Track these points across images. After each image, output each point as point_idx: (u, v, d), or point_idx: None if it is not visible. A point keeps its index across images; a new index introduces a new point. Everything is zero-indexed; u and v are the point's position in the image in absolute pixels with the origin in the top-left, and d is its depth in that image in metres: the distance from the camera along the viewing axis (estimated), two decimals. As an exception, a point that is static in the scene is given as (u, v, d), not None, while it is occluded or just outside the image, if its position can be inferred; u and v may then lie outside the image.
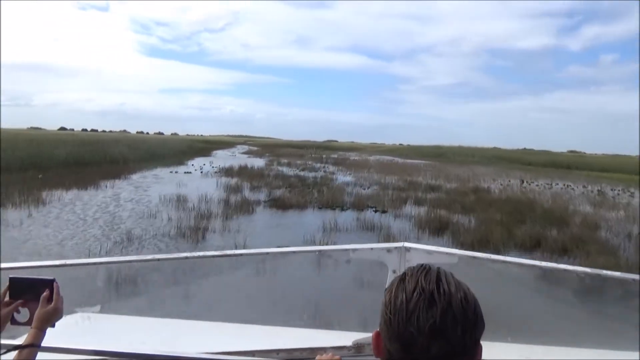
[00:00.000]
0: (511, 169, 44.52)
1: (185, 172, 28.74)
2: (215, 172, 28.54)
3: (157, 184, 21.68)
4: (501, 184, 27.37)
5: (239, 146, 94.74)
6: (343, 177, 28.79)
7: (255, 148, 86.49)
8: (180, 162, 37.29)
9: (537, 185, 28.44)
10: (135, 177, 25.15)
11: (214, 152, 62.65)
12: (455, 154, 71.31)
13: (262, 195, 18.39)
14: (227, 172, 28.19)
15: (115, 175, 23.79)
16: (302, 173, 30.65)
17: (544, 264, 2.23)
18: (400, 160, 56.15)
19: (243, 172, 28.33)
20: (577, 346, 2.37)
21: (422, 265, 0.98)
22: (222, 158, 46.72)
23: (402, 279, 0.96)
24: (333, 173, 32.04)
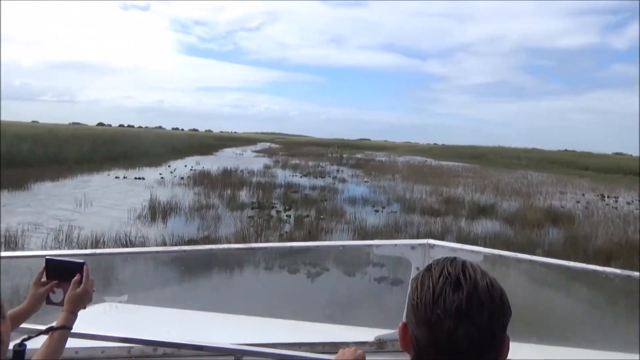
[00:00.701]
0: (569, 174, 34.80)
1: (137, 178, 20.95)
2: (182, 179, 20.71)
3: (58, 199, 14.73)
4: (577, 201, 19.12)
5: (259, 144, 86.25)
6: (355, 188, 20.68)
7: (276, 146, 78.90)
8: (161, 162, 29.80)
9: (629, 204, 19.26)
10: (64, 182, 19.08)
11: (222, 150, 54.45)
12: (496, 155, 61.35)
13: (192, 229, 10.95)
14: (199, 178, 20.65)
15: (38, 178, 18.34)
16: (303, 180, 23.16)
17: (572, 264, 2.17)
18: (433, 162, 46.75)
19: (218, 179, 20.26)
20: (604, 349, 2.31)
21: (447, 257, 1.01)
22: (222, 158, 38.72)
23: (428, 268, 0.99)
24: (345, 181, 24.05)
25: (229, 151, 53.53)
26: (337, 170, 30.14)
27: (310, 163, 35.04)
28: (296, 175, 25.49)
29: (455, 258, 0.99)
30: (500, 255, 2.20)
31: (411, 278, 2.11)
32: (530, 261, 2.19)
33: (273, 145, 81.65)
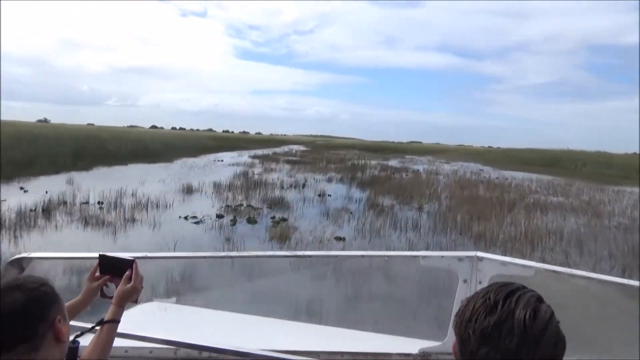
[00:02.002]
0: None
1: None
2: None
3: None
4: None
5: (286, 146, 75.22)
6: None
7: (302, 148, 69.52)
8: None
9: None
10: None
11: (218, 154, 42.97)
12: (573, 160, 44.24)
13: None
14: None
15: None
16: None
17: (632, 282, 2.06)
18: (492, 171, 35.31)
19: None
20: None
21: (507, 282, 1.01)
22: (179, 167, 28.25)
23: (481, 290, 1.02)
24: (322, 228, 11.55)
25: (224, 155, 41.08)
26: (319, 197, 16.62)
27: (319, 176, 24.05)
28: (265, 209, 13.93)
29: (512, 285, 0.99)
30: (554, 271, 2.12)
31: (456, 293, 2.08)
32: (587, 277, 2.10)
33: (297, 148, 69.97)
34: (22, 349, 1.12)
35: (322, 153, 53.75)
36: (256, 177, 22.26)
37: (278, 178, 22.04)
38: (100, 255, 1.61)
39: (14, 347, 1.11)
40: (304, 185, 19.74)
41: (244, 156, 42.06)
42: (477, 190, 20.30)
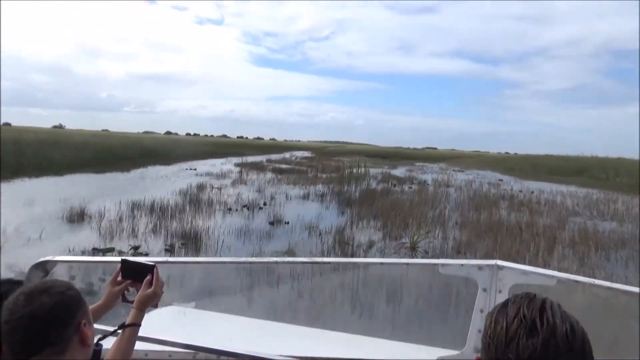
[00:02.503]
0: None
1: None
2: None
3: None
4: None
5: (289, 152, 69.53)
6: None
7: (306, 155, 65.90)
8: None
9: None
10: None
11: (202, 161, 38.93)
12: (606, 169, 38.60)
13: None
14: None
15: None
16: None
17: None
18: (514, 182, 30.86)
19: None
20: None
21: (527, 293, 0.97)
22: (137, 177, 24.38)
23: (505, 304, 0.96)
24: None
25: (186, 165, 33.19)
26: (270, 225, 12.18)
27: (269, 191, 18.93)
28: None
29: (535, 296, 0.95)
30: (576, 281, 2.11)
31: (476, 302, 2.08)
32: (610, 288, 2.08)
33: (301, 154, 65.68)
34: (48, 352, 1.15)
35: (322, 160, 48.11)
36: (211, 192, 17.55)
37: (239, 194, 17.33)
38: (122, 260, 1.65)
39: (41, 350, 1.14)
40: (263, 205, 14.98)
41: (229, 164, 35.77)
42: (498, 211, 15.70)
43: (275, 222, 12.49)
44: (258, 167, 33.01)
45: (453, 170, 44.47)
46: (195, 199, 15.47)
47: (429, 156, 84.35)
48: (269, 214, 13.52)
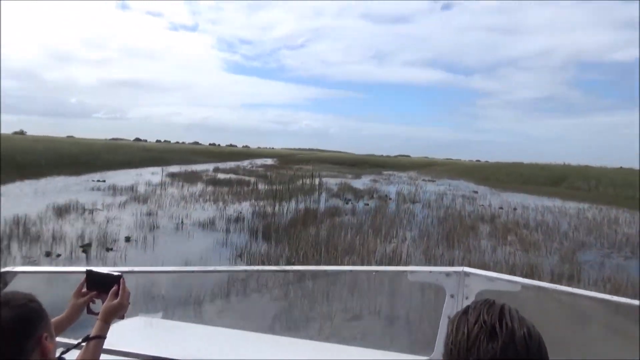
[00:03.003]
0: None
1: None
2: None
3: None
4: None
5: (249, 160, 65.26)
6: None
7: (266, 162, 61.99)
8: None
9: None
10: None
11: (132, 170, 34.42)
12: (586, 178, 36.68)
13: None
14: None
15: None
16: None
17: (616, 298, 2.11)
18: (489, 192, 29.61)
19: None
20: None
21: (486, 299, 1.00)
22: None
23: (465, 311, 0.98)
24: None
25: (99, 176, 28.10)
26: None
27: (160, 220, 13.80)
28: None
29: (494, 302, 0.98)
30: (539, 287, 2.17)
31: (444, 308, 2.11)
32: (572, 294, 2.15)
33: (260, 162, 61.18)
34: None
35: (280, 169, 43.74)
36: (61, 221, 12.95)
37: (110, 220, 13.24)
38: (87, 270, 1.60)
39: None
40: (126, 241, 10.92)
41: (158, 175, 29.32)
42: (478, 243, 12.16)
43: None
44: (192, 178, 28.96)
45: (423, 180, 41.19)
46: (18, 232, 10.88)
47: (400, 164, 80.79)
48: (116, 259, 9.44)
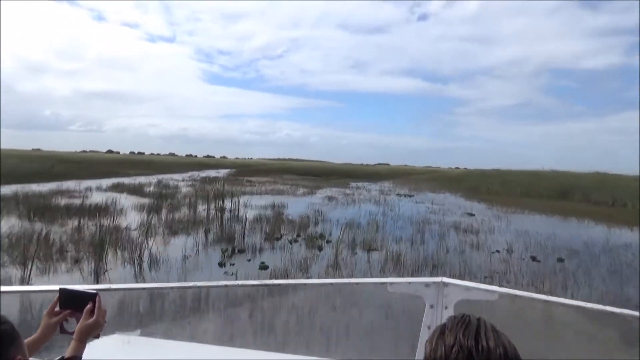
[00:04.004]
0: None
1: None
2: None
3: None
4: None
5: (207, 171, 62.67)
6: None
7: (221, 173, 57.40)
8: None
9: None
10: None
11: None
12: (601, 189, 30.91)
13: None
14: None
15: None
16: None
17: (590, 305, 2.19)
18: (490, 214, 22.42)
19: None
20: None
21: (462, 316, 1.02)
22: None
23: (442, 331, 1.00)
24: None
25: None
26: None
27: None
28: None
29: (470, 320, 1.00)
30: (515, 295, 2.23)
31: (423, 318, 2.15)
32: (547, 301, 2.22)
33: (214, 173, 56.51)
34: None
35: (214, 183, 36.39)
36: None
37: None
38: (60, 289, 1.56)
39: None
40: None
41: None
42: None
43: None
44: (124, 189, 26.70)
45: (398, 194, 33.23)
46: None
47: (376, 173, 72.51)
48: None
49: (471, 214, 21.86)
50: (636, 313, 2.09)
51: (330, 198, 28.25)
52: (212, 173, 56.67)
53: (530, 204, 27.34)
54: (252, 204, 21.14)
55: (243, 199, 21.55)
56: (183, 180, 40.35)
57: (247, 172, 62.05)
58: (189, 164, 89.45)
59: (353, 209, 22.91)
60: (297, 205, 22.71)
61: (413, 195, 33.36)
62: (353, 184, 44.92)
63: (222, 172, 60.14)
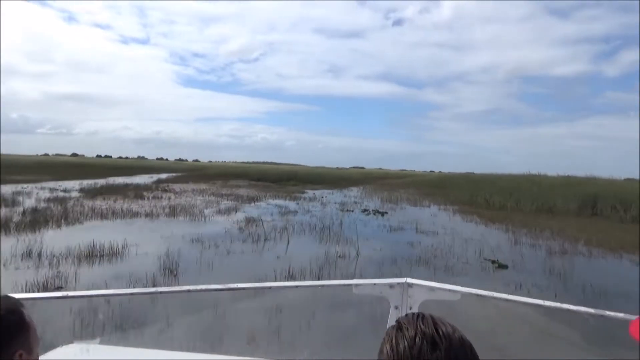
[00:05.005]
0: None
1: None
2: None
3: None
4: None
5: (142, 176, 52.81)
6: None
7: (163, 177, 51.20)
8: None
9: None
10: None
11: None
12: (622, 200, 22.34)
13: None
14: None
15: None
16: None
17: (547, 303, 2.24)
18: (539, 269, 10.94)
19: None
20: None
21: (413, 313, 1.04)
22: None
23: (399, 328, 1.01)
24: None
25: None
26: None
27: None
28: None
29: (423, 315, 1.02)
30: (478, 295, 2.26)
31: (388, 319, 2.16)
32: (507, 300, 2.26)
33: (157, 177, 49.99)
34: None
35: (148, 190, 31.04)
36: None
37: None
38: None
39: None
40: None
41: None
42: None
43: None
44: None
45: (365, 210, 23.12)
46: None
47: (346, 178, 62.84)
48: None
49: (504, 266, 11.25)
50: (592, 310, 2.15)
51: (251, 222, 17.00)
52: (138, 180, 43.80)
53: (566, 225, 18.34)
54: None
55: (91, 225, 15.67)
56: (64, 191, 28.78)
57: (190, 177, 52.85)
58: (140, 167, 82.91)
59: (269, 251, 12.29)
60: (168, 241, 12.74)
61: (387, 213, 21.88)
62: (309, 193, 34.32)
63: (156, 178, 49.56)
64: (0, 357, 1.04)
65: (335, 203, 26.89)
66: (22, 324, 1.11)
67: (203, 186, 37.28)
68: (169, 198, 25.65)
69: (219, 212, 20.47)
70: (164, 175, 55.21)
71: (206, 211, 20.16)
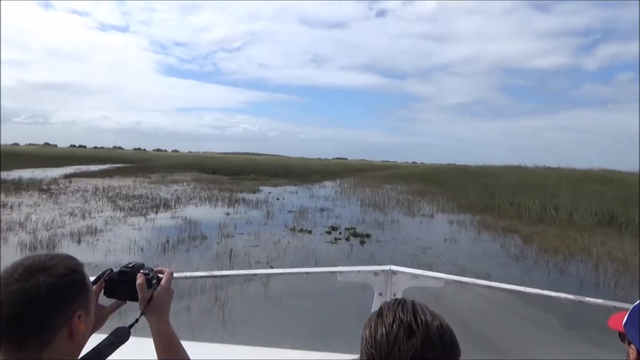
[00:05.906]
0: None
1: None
2: None
3: None
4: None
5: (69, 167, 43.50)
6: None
7: (98, 168, 44.63)
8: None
9: None
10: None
11: None
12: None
13: None
14: None
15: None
16: None
17: (528, 289, 2.31)
18: None
19: None
20: None
21: (396, 299, 1.05)
22: None
23: (380, 314, 1.02)
24: None
25: None
26: None
27: None
28: None
29: (405, 301, 1.03)
30: (460, 282, 2.31)
31: (372, 306, 2.19)
32: (489, 287, 2.32)
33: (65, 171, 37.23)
34: (30, 341, 0.99)
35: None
36: None
37: None
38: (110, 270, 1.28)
39: (23, 336, 0.97)
40: None
41: None
42: None
43: None
44: None
45: (334, 229, 14.74)
46: None
47: (322, 170, 55.35)
48: None
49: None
50: (571, 296, 2.22)
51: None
52: (55, 173, 34.96)
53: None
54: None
55: None
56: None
57: (130, 169, 44.53)
58: (92, 157, 75.77)
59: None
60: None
61: (369, 236, 13.62)
62: (263, 192, 26.43)
63: (84, 169, 41.10)
64: (60, 315, 1.03)
65: (290, 212, 18.45)
66: (84, 285, 1.10)
67: (126, 182, 29.22)
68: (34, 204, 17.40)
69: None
70: (93, 167, 46.09)
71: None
